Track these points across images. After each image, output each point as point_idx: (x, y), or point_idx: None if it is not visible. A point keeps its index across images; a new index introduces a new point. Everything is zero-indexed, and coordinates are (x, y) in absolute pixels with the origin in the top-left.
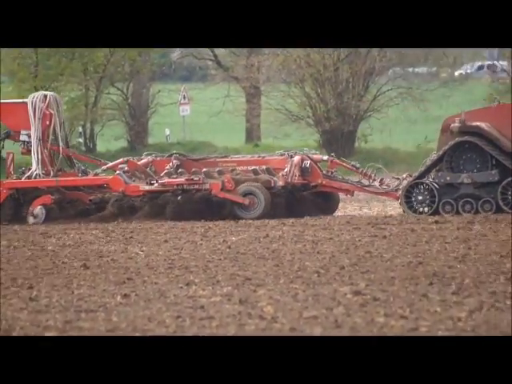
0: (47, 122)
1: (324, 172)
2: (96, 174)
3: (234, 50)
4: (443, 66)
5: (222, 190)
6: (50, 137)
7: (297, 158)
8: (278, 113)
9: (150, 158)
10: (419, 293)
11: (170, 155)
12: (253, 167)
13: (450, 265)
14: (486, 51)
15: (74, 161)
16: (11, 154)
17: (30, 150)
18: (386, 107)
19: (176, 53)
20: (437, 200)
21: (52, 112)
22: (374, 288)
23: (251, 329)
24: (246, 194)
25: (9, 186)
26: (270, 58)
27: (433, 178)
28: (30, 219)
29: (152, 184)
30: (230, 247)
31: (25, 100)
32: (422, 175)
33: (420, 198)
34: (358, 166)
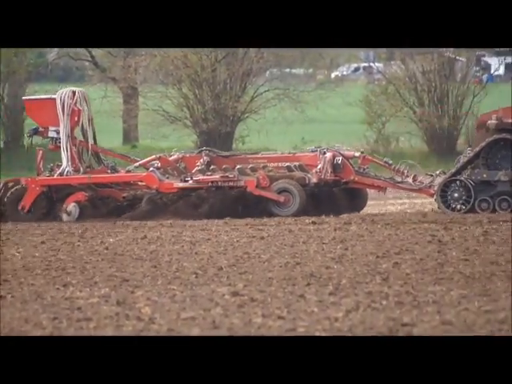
0: (76, 119)
1: (356, 168)
2: (128, 171)
3: (111, 50)
4: (320, 68)
5: (257, 187)
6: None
7: (329, 155)
8: (156, 114)
9: (180, 155)
10: (296, 293)
11: (200, 151)
12: (287, 164)
13: (327, 265)
14: (361, 53)
15: (102, 157)
16: (41, 151)
17: (59, 147)
18: (264, 108)
19: (52, 53)
20: (473, 197)
21: (80, 108)
22: (251, 289)
23: (129, 330)
24: (280, 191)
25: (42, 183)
26: (147, 59)
27: (468, 175)
28: (64, 216)
29: (186, 181)
30: (107, 248)
31: (52, 96)
32: (458, 172)
33: (456, 195)
34: (390, 162)
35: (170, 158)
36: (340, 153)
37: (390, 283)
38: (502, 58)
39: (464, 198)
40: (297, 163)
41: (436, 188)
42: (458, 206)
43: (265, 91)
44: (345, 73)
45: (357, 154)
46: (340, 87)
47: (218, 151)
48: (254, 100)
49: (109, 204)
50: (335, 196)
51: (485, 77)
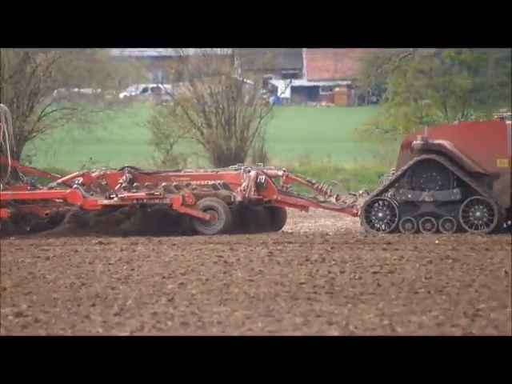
0: None
1: (279, 187)
2: (51, 188)
3: None
4: (108, 88)
5: (182, 204)
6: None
7: (253, 173)
8: None
9: (101, 172)
10: (81, 314)
11: (122, 168)
12: (212, 182)
13: (113, 286)
14: (149, 74)
15: (20, 174)
16: None
17: None
18: (51, 128)
19: None
20: (397, 217)
21: (0, 124)
22: (35, 309)
23: None
24: (206, 209)
25: None
26: None
27: (392, 195)
28: None
29: (111, 198)
30: None
31: None
32: (382, 192)
33: (380, 214)
34: (313, 181)
35: (93, 175)
36: (263, 171)
37: (175, 304)
38: (288, 80)
39: (388, 217)
40: (221, 181)
41: (359, 208)
42: (383, 226)
43: (52, 111)
44: (133, 93)
45: (280, 173)
46: (128, 107)
47: (141, 168)
48: (42, 119)
49: (30, 221)
50: (257, 214)
51: (271, 99)
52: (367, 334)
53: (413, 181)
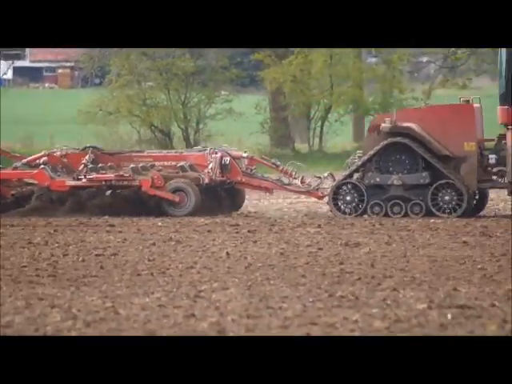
0: None
1: (243, 169)
2: (15, 168)
3: None
4: None
5: (151, 186)
6: None
7: (218, 155)
8: None
9: (63, 151)
10: None
11: (85, 148)
12: (180, 163)
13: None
14: None
15: None
16: None
17: None
18: None
19: None
20: (365, 201)
21: None
22: None
23: None
24: (175, 191)
25: None
26: None
27: (360, 179)
28: None
29: (79, 179)
30: None
31: None
32: (351, 175)
33: (348, 198)
34: (278, 163)
35: (37, 155)
36: (228, 153)
37: None
38: (11, 61)
39: (356, 201)
40: (187, 163)
41: (326, 191)
42: (349, 210)
43: None
44: None
45: (244, 155)
46: None
47: (103, 149)
48: None
49: None
50: (220, 196)
51: None
52: (92, 316)
53: (381, 164)
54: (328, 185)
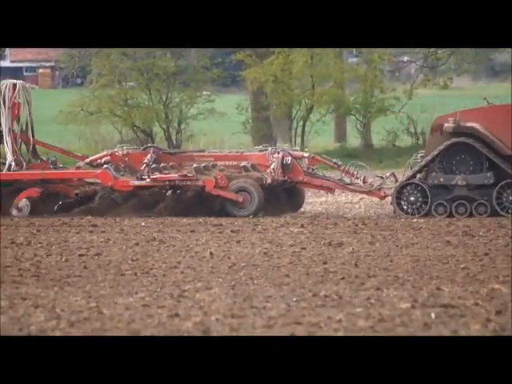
0: (16, 112)
1: (305, 169)
2: (78, 168)
3: None
4: None
5: (215, 186)
6: (19, 127)
7: (280, 155)
8: None
9: (124, 151)
10: None
11: (146, 148)
12: (243, 164)
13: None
14: None
15: (38, 152)
16: None
17: None
18: None
19: None
20: (429, 201)
21: (20, 101)
22: None
23: None
24: (238, 191)
25: None
26: None
27: (423, 179)
28: (14, 212)
29: (143, 179)
30: None
31: None
32: (414, 175)
33: (412, 198)
34: (339, 163)
35: (100, 155)
36: (289, 153)
37: None
38: None
39: (419, 201)
40: (249, 163)
41: (390, 191)
42: (413, 210)
43: None
44: None
45: (306, 155)
46: None
47: (164, 148)
48: None
49: (59, 200)
50: (281, 196)
51: None
52: (76, 316)
53: (444, 164)
54: (390, 185)
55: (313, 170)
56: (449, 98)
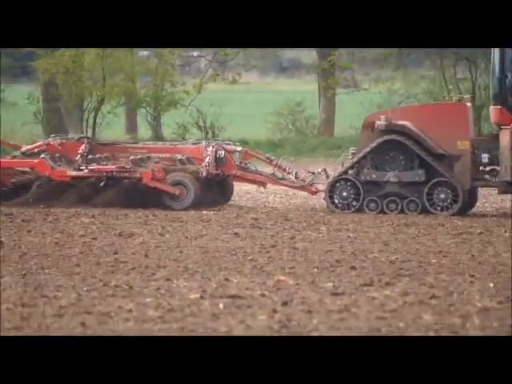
0: None
1: (237, 163)
2: (14, 157)
3: None
4: None
5: (152, 179)
6: None
7: (213, 148)
8: None
9: (58, 141)
10: None
11: (80, 138)
12: (179, 157)
13: None
14: None
15: None
16: None
17: None
18: None
19: None
20: (361, 197)
21: None
22: None
23: None
24: (175, 184)
25: None
26: None
27: (355, 175)
28: None
29: (81, 170)
30: None
31: None
32: (346, 171)
33: (344, 194)
34: (272, 158)
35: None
36: (222, 147)
37: None
38: None
39: (352, 197)
40: (183, 156)
41: (321, 187)
42: (345, 205)
43: None
44: None
45: (239, 149)
46: None
47: (97, 139)
48: None
49: None
50: (212, 188)
51: None
52: None
53: (376, 161)
54: (321, 180)
55: (245, 164)
56: (237, 93)
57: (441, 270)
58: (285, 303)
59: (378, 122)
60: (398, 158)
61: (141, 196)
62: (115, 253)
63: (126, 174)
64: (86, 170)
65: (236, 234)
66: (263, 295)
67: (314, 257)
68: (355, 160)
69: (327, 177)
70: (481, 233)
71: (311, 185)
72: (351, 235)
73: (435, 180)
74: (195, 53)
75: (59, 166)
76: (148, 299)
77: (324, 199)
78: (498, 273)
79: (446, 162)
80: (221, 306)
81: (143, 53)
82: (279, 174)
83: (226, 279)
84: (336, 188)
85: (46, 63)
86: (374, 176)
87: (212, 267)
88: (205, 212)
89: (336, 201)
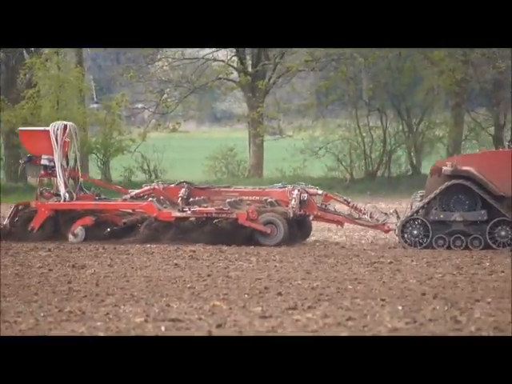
0: (66, 149)
1: (318, 205)
2: (124, 200)
3: None
4: None
5: (246, 219)
6: (69, 163)
7: (297, 192)
8: None
9: (161, 186)
10: None
11: (179, 183)
12: (270, 199)
13: None
14: None
15: (82, 186)
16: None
17: (50, 174)
18: None
19: None
20: (430, 235)
21: (68, 140)
22: None
23: None
24: (267, 224)
25: (51, 207)
26: None
27: (425, 215)
28: (71, 238)
29: (184, 211)
30: None
31: (46, 128)
32: (416, 212)
33: (415, 232)
34: (349, 200)
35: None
36: (305, 190)
37: None
38: None
39: (422, 235)
40: (273, 198)
41: (396, 226)
42: (416, 243)
43: None
44: None
45: (319, 192)
46: None
47: (195, 184)
48: None
49: (106, 228)
50: (294, 226)
51: None
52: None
53: (444, 202)
54: (392, 220)
55: (325, 205)
56: (177, 140)
57: (356, 295)
58: (219, 325)
59: (444, 168)
60: (463, 200)
61: (235, 234)
62: (69, 282)
63: (224, 215)
64: (188, 212)
65: (176, 264)
66: (200, 319)
67: (244, 284)
68: (426, 201)
69: (398, 217)
70: (391, 262)
71: (384, 224)
72: (277, 265)
73: (496, 219)
74: (139, 105)
75: (165, 207)
76: (98, 323)
77: (397, 236)
78: (405, 297)
79: (506, 203)
80: (163, 328)
81: (93, 105)
82: (355, 215)
83: (167, 305)
84: (407, 227)
85: (7, 115)
86: (441, 216)
87: (155, 294)
88: (148, 245)
89: (407, 238)
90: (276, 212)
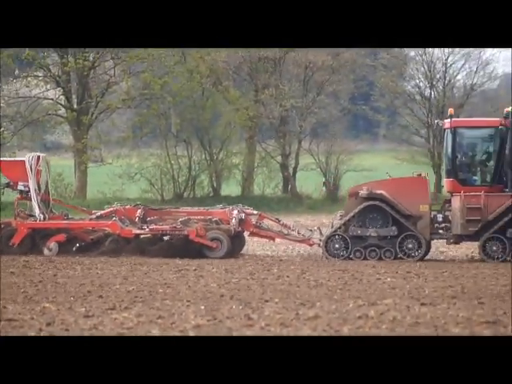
0: (38, 177)
1: (254, 223)
2: (91, 220)
3: None
4: None
5: (196, 235)
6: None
7: (236, 212)
8: None
9: (120, 207)
10: None
11: (135, 205)
12: (215, 218)
13: None
14: None
15: (51, 207)
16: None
17: (25, 198)
18: None
19: None
20: (350, 248)
21: (41, 169)
22: None
23: None
24: (213, 239)
25: (29, 226)
26: None
27: (344, 231)
28: (46, 251)
29: (143, 229)
30: None
31: (22, 158)
32: (337, 229)
33: (337, 245)
34: (280, 219)
35: (109, 210)
36: (243, 210)
37: None
38: None
39: (343, 248)
40: (216, 218)
41: (316, 240)
42: (339, 255)
43: None
44: None
45: (255, 212)
46: None
47: (149, 205)
48: None
49: (75, 243)
50: (233, 242)
51: None
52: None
53: (360, 220)
54: (316, 235)
55: (260, 223)
56: None
57: (165, 297)
58: (48, 324)
59: (361, 192)
60: (377, 218)
61: (185, 248)
62: None
63: (177, 232)
64: (147, 229)
65: (12, 272)
66: (32, 318)
67: (71, 288)
68: (347, 219)
69: (321, 233)
70: (195, 269)
71: (309, 239)
72: (99, 272)
73: (404, 234)
74: None
75: (126, 225)
76: None
77: (321, 249)
78: (207, 298)
79: (412, 220)
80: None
81: None
82: (285, 231)
83: (4, 307)
84: (330, 241)
85: None
86: (359, 232)
87: None
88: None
89: (330, 251)
90: (220, 229)
